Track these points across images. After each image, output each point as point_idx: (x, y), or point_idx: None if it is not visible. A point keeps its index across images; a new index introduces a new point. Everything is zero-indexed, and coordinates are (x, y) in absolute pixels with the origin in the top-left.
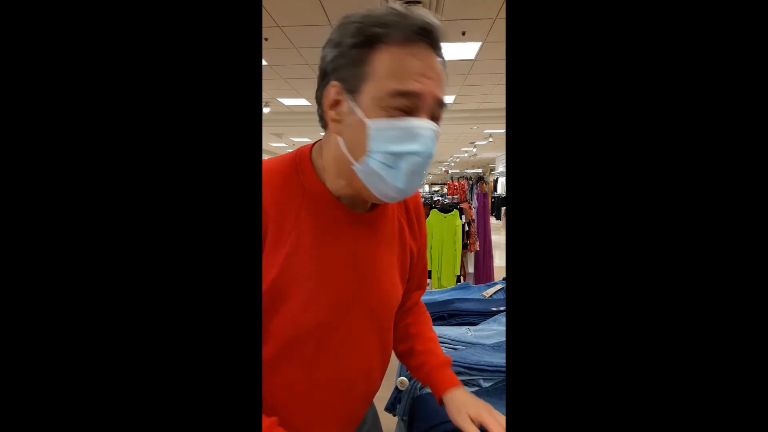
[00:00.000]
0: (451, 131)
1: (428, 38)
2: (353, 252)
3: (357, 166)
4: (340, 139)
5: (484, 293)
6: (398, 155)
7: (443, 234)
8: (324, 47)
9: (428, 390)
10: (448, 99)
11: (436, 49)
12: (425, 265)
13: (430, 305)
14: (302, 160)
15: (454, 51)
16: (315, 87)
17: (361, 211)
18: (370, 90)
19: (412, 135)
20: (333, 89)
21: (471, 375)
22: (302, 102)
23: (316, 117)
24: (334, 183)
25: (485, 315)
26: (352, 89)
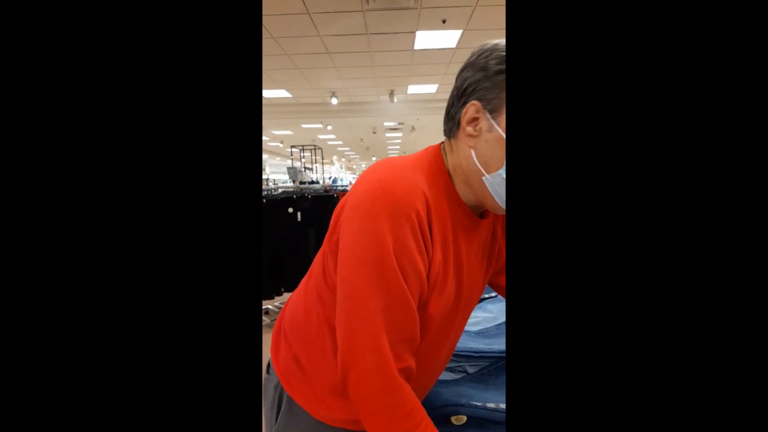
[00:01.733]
0: (434, 122)
1: None
2: (473, 253)
3: (488, 178)
4: (472, 152)
5: None
6: None
7: None
8: (464, 70)
9: None
10: (431, 88)
11: None
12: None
13: None
14: (439, 164)
15: (435, 39)
16: (292, 78)
17: (478, 216)
18: None
19: None
20: (473, 108)
21: (458, 362)
22: (282, 93)
23: (297, 108)
24: (461, 189)
25: None
26: (494, 109)
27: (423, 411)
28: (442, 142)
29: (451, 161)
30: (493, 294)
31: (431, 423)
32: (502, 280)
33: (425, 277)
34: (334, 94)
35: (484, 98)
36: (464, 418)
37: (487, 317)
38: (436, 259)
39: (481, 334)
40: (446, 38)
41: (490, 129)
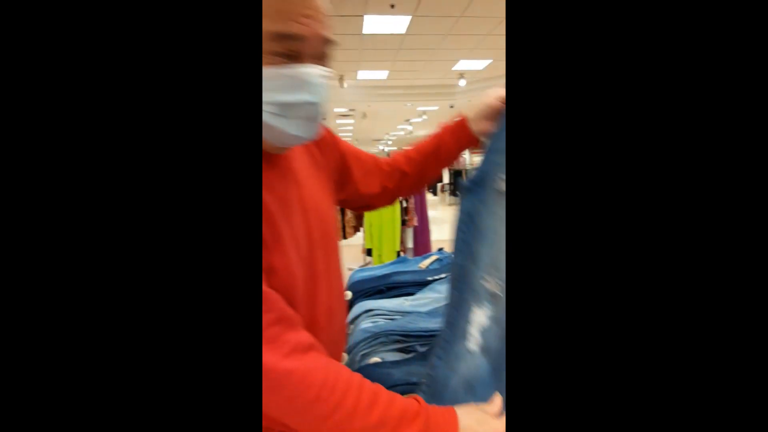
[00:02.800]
0: (385, 108)
1: None
2: (286, 190)
3: None
4: None
5: (420, 264)
6: (289, 105)
7: (382, 211)
8: None
9: (369, 360)
10: (381, 74)
11: None
12: (369, 157)
13: (368, 281)
14: None
15: (384, 24)
16: None
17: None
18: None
19: (300, 84)
20: None
21: (408, 342)
22: None
23: None
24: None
25: (421, 285)
26: None
27: (344, 383)
28: None
29: None
30: (443, 275)
31: (364, 390)
32: (357, 189)
33: None
34: None
35: None
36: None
37: (436, 297)
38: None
39: (431, 313)
40: (395, 23)
41: None
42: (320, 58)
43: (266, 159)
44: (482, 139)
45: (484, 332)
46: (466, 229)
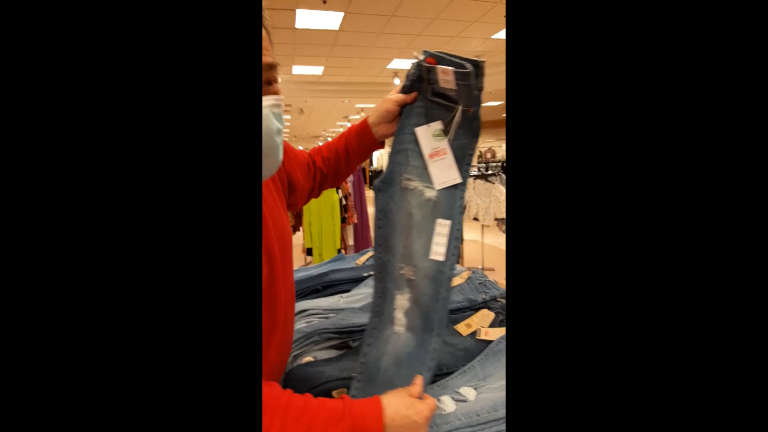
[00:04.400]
0: (322, 105)
1: None
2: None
3: None
4: None
5: (357, 261)
6: None
7: (321, 210)
8: None
9: (302, 360)
10: (316, 70)
11: None
12: (303, 156)
13: (305, 280)
14: None
15: (317, 19)
16: None
17: None
18: None
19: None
20: None
21: (341, 338)
22: None
23: None
24: None
25: (357, 281)
26: None
27: (271, 407)
28: None
29: None
30: None
31: (291, 407)
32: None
33: None
34: None
35: None
36: (345, 390)
37: (371, 293)
38: None
39: (364, 308)
40: (328, 19)
41: None
42: (268, 83)
43: None
44: (383, 140)
45: (407, 312)
46: (382, 225)
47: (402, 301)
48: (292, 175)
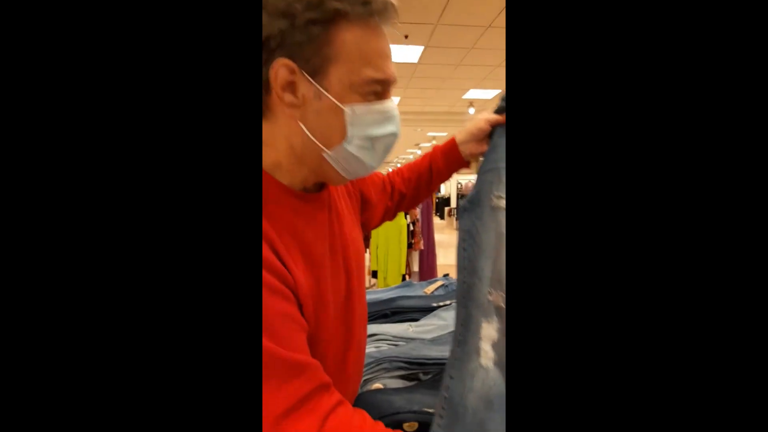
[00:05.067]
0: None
1: (387, 17)
2: (330, 233)
3: (330, 154)
4: (302, 126)
5: (425, 290)
6: (376, 138)
7: (389, 233)
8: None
9: (371, 386)
10: (394, 101)
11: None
12: (378, 177)
13: (373, 304)
14: None
15: (398, 53)
16: None
17: (313, 191)
18: (340, 73)
19: (388, 118)
20: (283, 69)
21: (411, 369)
22: None
23: None
24: (295, 174)
25: (426, 311)
26: (315, 71)
27: None
28: None
29: (280, 146)
30: (448, 302)
31: None
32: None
33: (300, 312)
34: None
35: (299, 57)
36: (416, 425)
37: (441, 325)
38: (301, 280)
39: (435, 341)
40: (408, 53)
41: (319, 96)
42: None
43: (311, 199)
44: (471, 160)
45: (495, 346)
46: (468, 246)
47: (490, 331)
48: (365, 192)
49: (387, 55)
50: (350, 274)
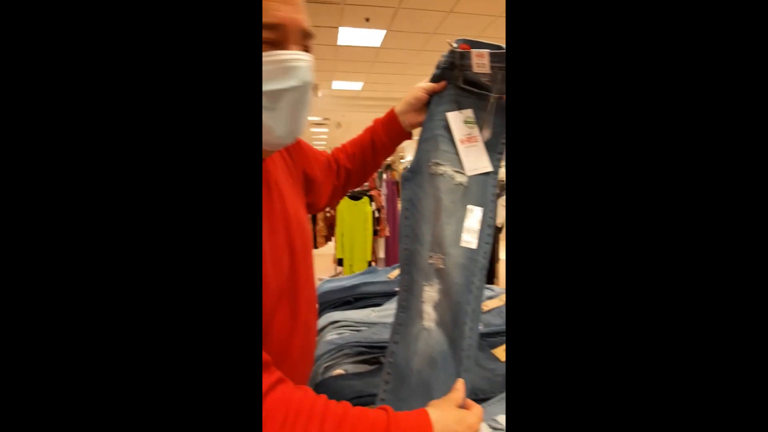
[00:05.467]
0: (360, 119)
1: None
2: (269, 210)
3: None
4: None
5: (389, 275)
6: (275, 94)
7: (354, 221)
8: None
9: (332, 373)
10: (356, 85)
11: None
12: (323, 155)
13: (337, 291)
14: None
15: (360, 37)
16: None
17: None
18: None
19: (286, 69)
20: None
21: (372, 353)
22: None
23: None
24: None
25: (389, 296)
26: None
27: (306, 412)
28: None
29: None
30: None
31: (328, 414)
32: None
33: None
34: None
35: None
36: None
37: None
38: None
39: None
40: (370, 36)
41: None
42: (303, 50)
43: None
44: (411, 131)
45: (437, 306)
46: (409, 215)
47: (431, 293)
48: (308, 171)
49: (280, 1)
50: (294, 253)
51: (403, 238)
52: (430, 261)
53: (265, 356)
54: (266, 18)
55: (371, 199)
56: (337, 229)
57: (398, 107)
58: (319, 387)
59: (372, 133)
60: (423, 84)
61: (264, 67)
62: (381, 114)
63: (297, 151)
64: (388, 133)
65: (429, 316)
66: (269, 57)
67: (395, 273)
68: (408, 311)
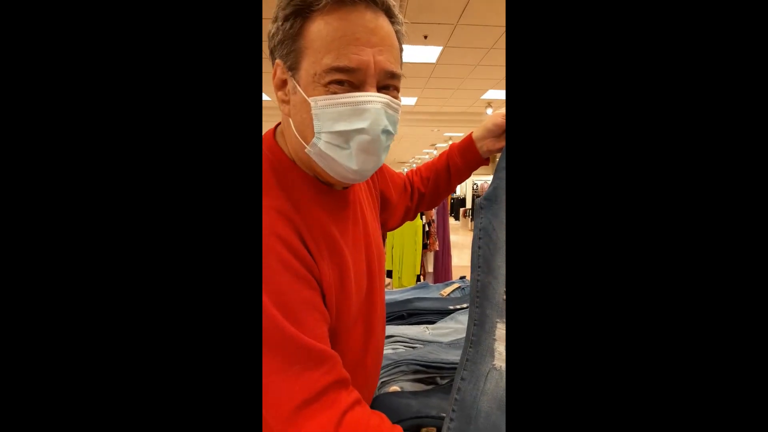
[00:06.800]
0: (412, 133)
1: None
2: (353, 231)
3: (309, 149)
4: (291, 122)
5: (442, 292)
6: (346, 134)
7: (404, 234)
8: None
9: (388, 389)
10: (410, 101)
11: (380, 10)
12: (399, 177)
13: (389, 305)
14: (278, 156)
15: (417, 54)
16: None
17: (338, 188)
18: (308, 65)
19: (356, 111)
20: (278, 68)
21: (428, 373)
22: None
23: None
24: (307, 169)
25: (443, 313)
26: (293, 66)
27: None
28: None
29: (288, 139)
30: (465, 305)
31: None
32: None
33: (323, 304)
34: None
35: (283, 54)
36: (434, 430)
37: (458, 328)
38: (326, 272)
39: (453, 345)
40: (427, 53)
41: (295, 90)
42: (385, 88)
43: (337, 195)
44: (489, 157)
45: None
46: (483, 244)
47: (504, 332)
48: (385, 192)
49: (355, 40)
50: (372, 274)
51: (475, 268)
52: (505, 297)
53: (344, 374)
54: (343, 61)
55: (422, 213)
56: (387, 242)
57: (476, 132)
58: (376, 402)
59: (448, 158)
60: (503, 111)
61: (335, 108)
62: (432, 128)
63: (377, 172)
64: (464, 158)
65: (501, 356)
66: (342, 98)
67: (449, 290)
68: (478, 347)
